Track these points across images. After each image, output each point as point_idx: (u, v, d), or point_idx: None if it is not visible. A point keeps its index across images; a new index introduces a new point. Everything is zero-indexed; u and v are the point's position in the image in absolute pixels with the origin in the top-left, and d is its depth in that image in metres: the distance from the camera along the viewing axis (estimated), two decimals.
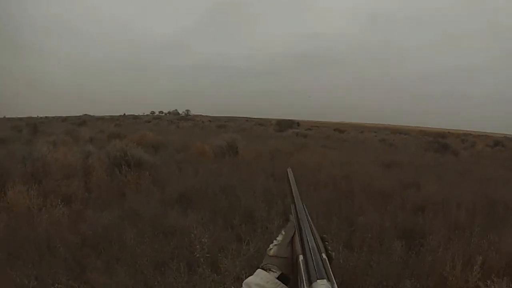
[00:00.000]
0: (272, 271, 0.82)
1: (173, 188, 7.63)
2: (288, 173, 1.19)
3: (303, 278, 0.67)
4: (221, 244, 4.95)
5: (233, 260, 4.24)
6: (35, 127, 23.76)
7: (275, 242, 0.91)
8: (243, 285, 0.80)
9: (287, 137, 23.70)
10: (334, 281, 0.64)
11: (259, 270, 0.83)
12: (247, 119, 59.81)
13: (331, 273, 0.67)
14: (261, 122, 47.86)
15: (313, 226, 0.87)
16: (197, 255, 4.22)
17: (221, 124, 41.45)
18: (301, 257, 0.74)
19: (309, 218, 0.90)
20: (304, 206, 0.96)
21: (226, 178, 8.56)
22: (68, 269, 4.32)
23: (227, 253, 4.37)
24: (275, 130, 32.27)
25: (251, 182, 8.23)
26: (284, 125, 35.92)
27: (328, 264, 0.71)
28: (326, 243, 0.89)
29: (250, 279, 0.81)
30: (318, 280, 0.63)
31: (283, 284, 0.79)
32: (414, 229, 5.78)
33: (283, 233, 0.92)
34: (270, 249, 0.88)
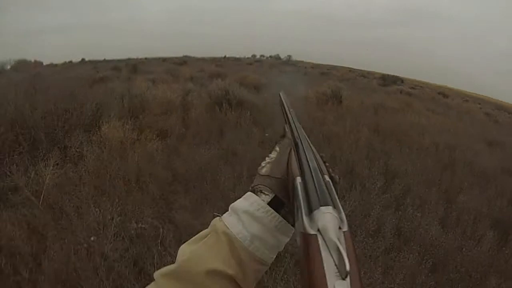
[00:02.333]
0: (264, 193, 0.75)
1: (274, 130, 7.48)
2: (281, 95, 1.14)
3: (301, 204, 0.56)
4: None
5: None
6: (134, 66, 24.81)
7: (267, 159, 0.83)
8: (229, 209, 0.75)
9: (391, 93, 22.95)
10: (341, 209, 0.54)
11: (249, 193, 0.76)
12: (350, 70, 58.66)
13: (337, 198, 0.57)
14: (364, 74, 47.06)
15: (312, 146, 0.78)
16: None
17: (324, 71, 41.00)
18: (298, 179, 0.64)
19: (308, 138, 0.82)
20: (301, 127, 0.88)
21: (329, 127, 8.43)
22: (154, 205, 4.37)
23: None
24: (379, 84, 31.34)
25: (354, 134, 8.09)
26: (388, 80, 35.34)
27: (332, 187, 0.61)
28: (327, 164, 0.78)
29: (238, 203, 0.74)
30: (321, 207, 0.52)
31: (276, 213, 0.72)
32: (509, 222, 5.47)
33: (277, 149, 0.85)
34: (262, 167, 0.81)
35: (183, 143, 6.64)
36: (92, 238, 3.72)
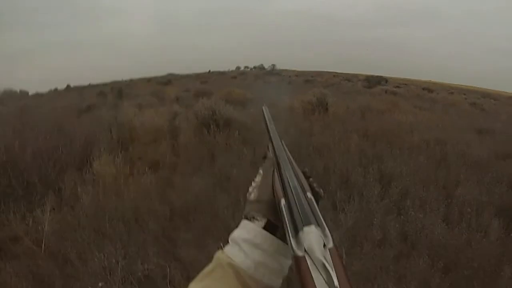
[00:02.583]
0: (257, 219, 0.76)
1: (263, 148, 7.45)
2: (264, 111, 1.15)
3: (288, 226, 0.60)
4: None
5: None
6: (120, 91, 24.91)
7: (253, 184, 0.84)
8: (229, 241, 0.76)
9: (376, 94, 23.35)
10: (324, 225, 0.59)
11: (244, 221, 0.77)
12: (334, 74, 59.44)
13: (320, 215, 0.61)
14: (349, 78, 48.03)
15: (294, 163, 0.81)
16: None
17: (308, 79, 41.37)
18: (283, 201, 0.68)
19: (289, 155, 0.85)
20: (283, 143, 0.90)
21: (318, 138, 8.46)
22: (157, 244, 4.39)
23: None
24: (364, 86, 32.12)
25: (344, 142, 8.17)
26: (372, 81, 36.39)
27: (315, 204, 0.65)
28: (310, 179, 0.82)
29: (236, 233, 0.76)
30: (304, 228, 0.57)
31: (273, 236, 0.73)
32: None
33: (261, 172, 0.86)
34: (250, 193, 0.82)
35: (176, 173, 6.66)
36: (100, 284, 3.71)
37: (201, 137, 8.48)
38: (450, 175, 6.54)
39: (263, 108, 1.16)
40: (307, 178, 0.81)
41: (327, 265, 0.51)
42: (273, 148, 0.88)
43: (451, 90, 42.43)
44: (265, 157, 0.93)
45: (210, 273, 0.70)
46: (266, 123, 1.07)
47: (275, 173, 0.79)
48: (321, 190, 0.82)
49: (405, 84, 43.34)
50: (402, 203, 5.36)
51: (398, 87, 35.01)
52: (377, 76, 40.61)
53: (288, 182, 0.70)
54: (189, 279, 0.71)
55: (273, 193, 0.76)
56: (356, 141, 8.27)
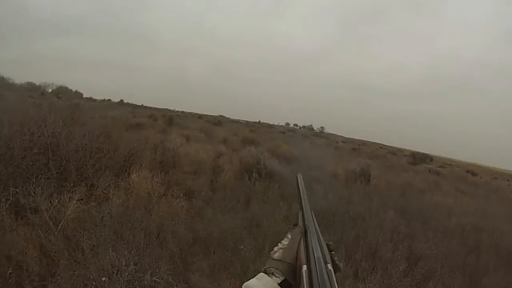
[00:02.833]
0: (275, 276, 0.82)
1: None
2: (298, 179, 1.20)
3: None
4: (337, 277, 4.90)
5: None
6: (170, 119, 26.01)
7: (280, 245, 0.92)
8: (243, 287, 0.80)
9: (419, 172, 23.50)
10: None
11: (261, 274, 0.84)
12: (380, 146, 60.14)
13: (336, 285, 0.68)
14: (394, 151, 48.85)
15: (320, 235, 0.89)
16: None
17: (355, 147, 42.25)
18: (304, 267, 0.76)
19: (317, 227, 0.92)
20: (313, 214, 0.98)
21: (355, 207, 8.40)
22: (172, 263, 4.36)
23: None
24: (408, 162, 32.06)
25: (380, 215, 8.20)
26: (418, 158, 36.41)
27: (333, 275, 0.72)
28: (332, 252, 0.90)
29: (251, 282, 0.81)
30: None
31: None
32: None
33: (289, 237, 0.94)
34: (275, 252, 0.89)
35: (209, 207, 6.72)
36: (103, 279, 3.71)
37: (241, 182, 8.54)
38: (479, 263, 6.45)
39: (298, 176, 1.22)
40: (330, 251, 0.89)
41: None
42: (303, 218, 0.98)
43: (495, 174, 42.10)
44: (295, 225, 1.00)
45: None
46: (299, 192, 1.14)
47: (302, 241, 0.88)
48: (341, 264, 0.90)
49: (449, 165, 43.62)
50: (424, 284, 5.28)
51: (442, 166, 35.29)
52: (423, 154, 40.84)
53: (313, 251, 0.79)
54: None
55: (296, 258, 0.85)
56: (392, 217, 8.28)
